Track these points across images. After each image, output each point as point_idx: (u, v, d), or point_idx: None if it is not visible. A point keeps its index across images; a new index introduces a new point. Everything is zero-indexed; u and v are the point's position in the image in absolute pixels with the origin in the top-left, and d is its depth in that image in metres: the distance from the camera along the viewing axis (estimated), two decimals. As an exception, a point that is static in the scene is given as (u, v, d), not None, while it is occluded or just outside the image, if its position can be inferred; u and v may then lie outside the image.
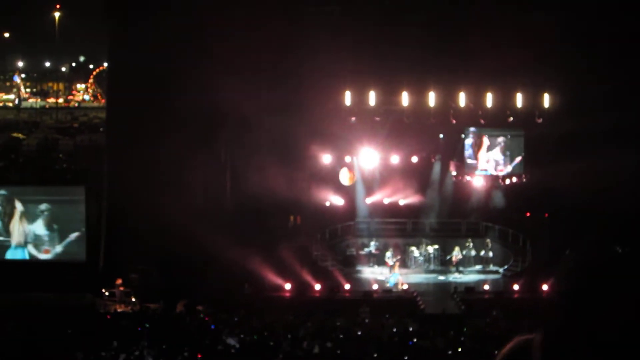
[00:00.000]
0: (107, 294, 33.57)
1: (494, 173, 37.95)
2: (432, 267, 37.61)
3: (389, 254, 36.90)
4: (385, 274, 36.42)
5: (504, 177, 38.09)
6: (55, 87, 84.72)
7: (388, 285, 35.19)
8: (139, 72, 33.60)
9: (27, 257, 34.67)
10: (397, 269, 36.09)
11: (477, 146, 37.89)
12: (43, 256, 34.63)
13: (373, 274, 36.90)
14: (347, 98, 36.55)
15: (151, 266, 33.27)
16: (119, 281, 33.30)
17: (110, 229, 34.82)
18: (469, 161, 38.08)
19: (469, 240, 37.81)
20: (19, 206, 34.58)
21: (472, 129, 37.75)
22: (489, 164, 37.92)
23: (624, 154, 32.59)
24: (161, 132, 32.92)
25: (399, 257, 37.00)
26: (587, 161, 33.04)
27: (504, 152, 37.87)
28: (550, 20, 33.52)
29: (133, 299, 32.92)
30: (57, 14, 64.37)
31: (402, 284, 35.17)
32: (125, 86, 34.87)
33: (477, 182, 38.39)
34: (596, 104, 33.99)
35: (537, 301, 32.30)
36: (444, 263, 37.61)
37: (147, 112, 33.39)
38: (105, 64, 60.10)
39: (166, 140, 32.80)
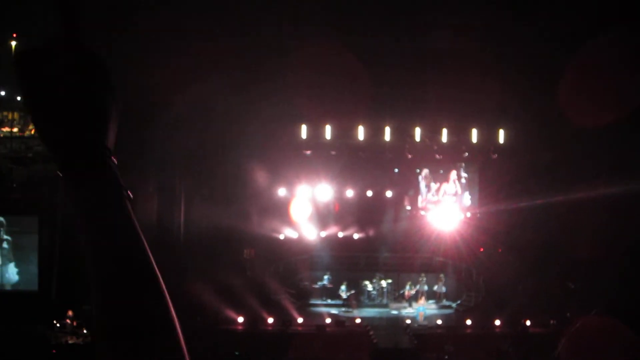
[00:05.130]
0: (58, 325, 33.15)
1: (449, 208, 38.18)
2: (384, 301, 37.62)
3: (343, 287, 36.91)
4: (339, 308, 36.52)
5: (457, 212, 38.29)
6: (10, 117, 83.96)
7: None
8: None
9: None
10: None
11: (440, 181, 38.31)
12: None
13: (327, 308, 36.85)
14: (303, 131, 36.70)
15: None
16: (70, 313, 32.91)
17: (63, 260, 34.46)
18: (424, 195, 38.39)
19: (422, 275, 37.88)
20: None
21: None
22: (444, 198, 38.22)
23: (573, 191, 32.90)
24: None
25: (352, 291, 37.05)
26: (540, 197, 33.41)
27: (459, 187, 38.27)
28: (508, 54, 33.86)
29: (85, 331, 32.52)
30: (13, 43, 63.71)
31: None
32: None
33: (431, 216, 38.53)
34: (551, 140, 34.35)
35: (489, 336, 32.47)
36: (396, 298, 37.62)
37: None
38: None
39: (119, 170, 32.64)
